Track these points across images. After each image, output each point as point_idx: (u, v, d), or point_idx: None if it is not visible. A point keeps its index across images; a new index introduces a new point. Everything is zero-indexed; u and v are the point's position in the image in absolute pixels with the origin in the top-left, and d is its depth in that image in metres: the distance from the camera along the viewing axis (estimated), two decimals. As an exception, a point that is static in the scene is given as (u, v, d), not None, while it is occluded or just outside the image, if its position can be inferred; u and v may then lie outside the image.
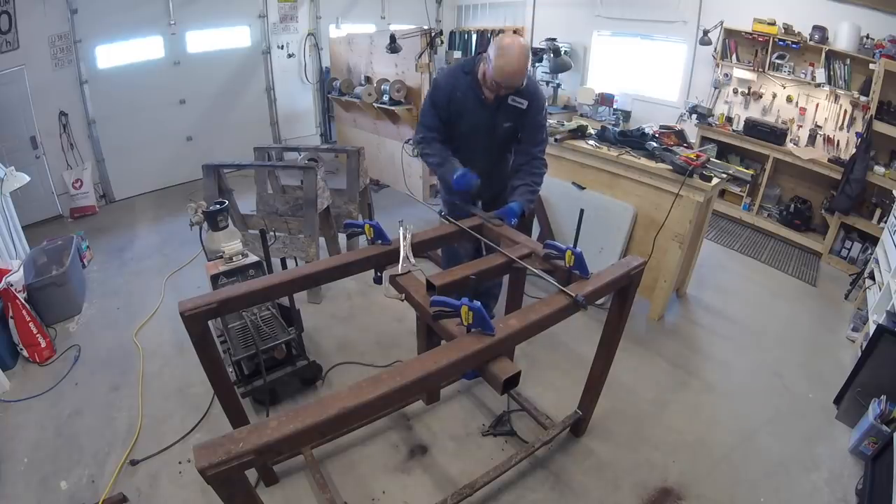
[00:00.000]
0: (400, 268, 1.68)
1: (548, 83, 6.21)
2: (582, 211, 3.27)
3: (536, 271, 1.68)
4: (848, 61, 4.13)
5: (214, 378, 1.70)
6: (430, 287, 1.59)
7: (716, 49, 4.93)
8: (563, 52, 5.58)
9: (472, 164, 2.29)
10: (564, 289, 1.55)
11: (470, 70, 2.22)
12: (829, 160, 4.21)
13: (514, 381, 1.30)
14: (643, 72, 5.90)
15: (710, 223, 3.74)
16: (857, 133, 4.14)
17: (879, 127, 3.81)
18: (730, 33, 4.83)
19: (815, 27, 4.30)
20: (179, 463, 2.16)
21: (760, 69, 4.69)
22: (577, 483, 2.11)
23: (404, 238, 1.73)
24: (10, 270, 2.90)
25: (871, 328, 2.68)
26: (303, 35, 6.47)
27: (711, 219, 3.59)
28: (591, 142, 3.34)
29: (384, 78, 5.02)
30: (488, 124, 2.30)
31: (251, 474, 1.85)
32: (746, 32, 4.68)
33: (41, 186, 4.57)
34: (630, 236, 3.24)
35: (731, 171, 2.93)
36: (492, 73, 2.05)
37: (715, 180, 2.80)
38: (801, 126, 4.59)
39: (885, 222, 3.53)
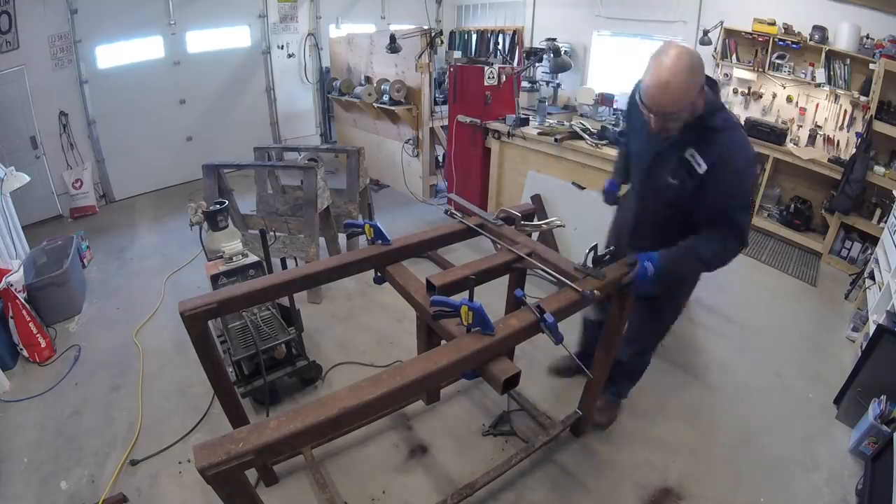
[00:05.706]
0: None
1: (548, 83, 6.21)
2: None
3: (537, 271, 1.68)
4: (848, 61, 4.13)
5: (214, 378, 1.70)
6: (430, 287, 1.59)
7: (716, 49, 4.93)
8: (563, 52, 5.57)
9: (629, 199, 2.01)
10: (573, 285, 1.54)
11: None
12: (829, 160, 4.21)
13: (514, 381, 1.30)
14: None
15: (710, 223, 3.74)
16: (857, 133, 4.14)
17: (879, 127, 3.81)
18: (730, 33, 4.83)
19: (815, 27, 4.30)
20: (179, 463, 2.16)
21: (760, 69, 4.69)
22: (577, 483, 2.11)
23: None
24: (10, 270, 2.90)
25: (871, 328, 2.68)
26: (303, 35, 6.47)
27: (711, 219, 3.59)
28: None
29: (384, 78, 5.02)
30: (647, 163, 1.77)
31: (251, 474, 1.85)
32: (746, 32, 4.67)
33: (41, 186, 4.57)
34: (630, 236, 3.23)
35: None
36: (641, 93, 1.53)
37: (715, 180, 2.80)
38: (801, 126, 4.58)
39: (885, 222, 3.53)
